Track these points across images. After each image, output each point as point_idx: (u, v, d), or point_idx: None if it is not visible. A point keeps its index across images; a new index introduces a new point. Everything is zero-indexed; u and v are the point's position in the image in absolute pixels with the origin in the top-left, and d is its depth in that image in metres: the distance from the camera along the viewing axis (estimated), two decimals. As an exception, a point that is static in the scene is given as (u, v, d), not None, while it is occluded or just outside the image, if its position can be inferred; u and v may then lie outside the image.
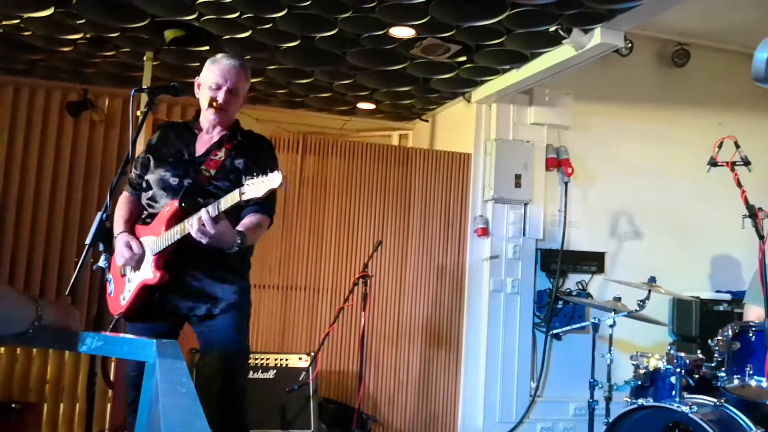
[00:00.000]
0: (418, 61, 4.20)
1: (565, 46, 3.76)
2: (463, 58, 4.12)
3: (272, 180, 2.33)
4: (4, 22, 3.86)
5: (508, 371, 4.72)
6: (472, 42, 3.86)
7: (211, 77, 2.67)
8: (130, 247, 2.58)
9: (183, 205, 2.55)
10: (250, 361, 3.94)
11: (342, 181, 4.74)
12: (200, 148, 2.70)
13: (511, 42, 3.82)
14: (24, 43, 4.17)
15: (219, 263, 2.57)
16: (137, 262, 2.59)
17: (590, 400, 3.64)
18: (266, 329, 4.49)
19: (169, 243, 2.50)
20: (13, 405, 4.47)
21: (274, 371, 3.93)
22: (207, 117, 2.70)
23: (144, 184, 2.71)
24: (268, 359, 3.94)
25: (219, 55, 2.72)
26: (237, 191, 2.36)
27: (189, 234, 2.40)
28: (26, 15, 3.71)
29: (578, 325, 4.14)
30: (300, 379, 3.92)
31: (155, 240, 2.56)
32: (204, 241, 2.37)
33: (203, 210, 2.37)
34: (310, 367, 3.97)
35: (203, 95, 2.69)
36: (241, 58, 2.77)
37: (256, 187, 2.34)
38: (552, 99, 4.90)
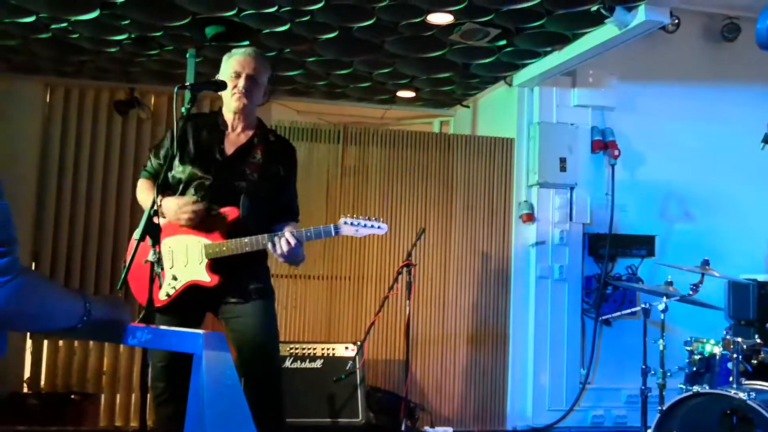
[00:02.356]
0: (458, 47, 4.16)
1: (608, 25, 3.67)
2: (503, 42, 4.06)
3: (379, 229, 2.57)
4: (53, 26, 3.97)
5: (557, 358, 4.66)
6: (511, 25, 3.79)
7: (230, 69, 2.72)
8: (181, 203, 2.61)
9: (245, 215, 2.62)
10: (297, 351, 4.00)
11: (384, 170, 4.74)
12: (229, 148, 2.73)
13: (551, 23, 3.75)
14: (72, 45, 4.28)
15: (246, 255, 2.62)
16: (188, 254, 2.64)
17: (643, 388, 3.57)
18: (312, 319, 4.54)
19: (234, 253, 2.56)
20: (73, 396, 4.66)
21: (321, 360, 3.97)
22: (230, 108, 2.73)
23: (171, 180, 2.71)
24: (314, 349, 3.98)
25: (233, 50, 2.77)
26: (332, 227, 2.52)
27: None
28: (73, 18, 3.81)
29: (629, 311, 4.05)
30: (347, 368, 3.95)
31: (210, 244, 2.60)
32: (282, 260, 2.55)
33: (289, 234, 2.50)
34: (357, 356, 4.00)
35: (226, 90, 2.70)
36: (255, 48, 2.81)
37: (355, 229, 2.54)
38: (596, 80, 4.78)
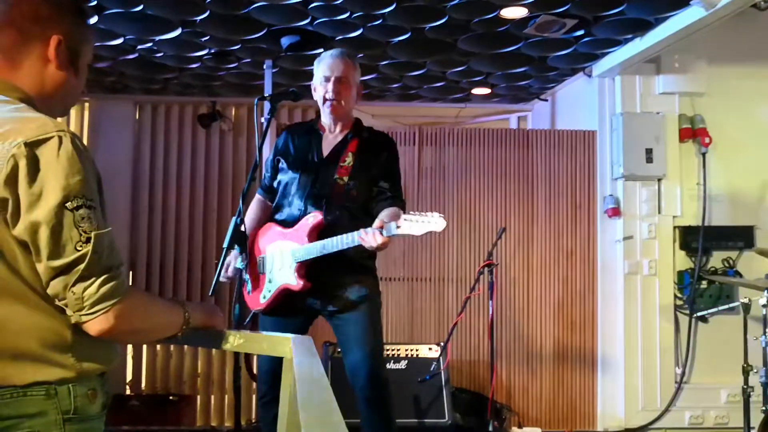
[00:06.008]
0: (533, 40, 4.07)
1: (694, 7, 3.50)
2: (580, 32, 3.95)
3: (435, 224, 2.40)
4: (138, 47, 4.18)
5: (650, 357, 4.48)
6: (588, 14, 3.68)
7: (320, 74, 2.76)
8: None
9: (328, 218, 2.64)
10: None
11: (461, 169, 4.70)
12: (326, 149, 2.78)
13: (631, 9, 3.61)
14: (157, 64, 4.49)
15: (345, 262, 2.65)
16: (280, 265, 2.71)
17: (744, 387, 3.38)
18: (395, 320, 4.56)
19: (318, 255, 2.58)
20: (171, 397, 4.89)
21: (406, 362, 3.98)
22: (325, 113, 2.78)
23: (276, 186, 2.83)
24: (398, 350, 3.99)
25: (323, 54, 2.81)
26: (393, 224, 2.42)
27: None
28: (157, 38, 3.99)
29: (726, 306, 3.86)
30: (431, 369, 3.94)
31: (298, 248, 2.64)
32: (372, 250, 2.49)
33: (377, 231, 2.44)
34: (441, 357, 3.98)
35: (318, 95, 2.78)
36: (344, 49, 2.84)
37: (414, 225, 2.41)
38: (682, 65, 4.56)
